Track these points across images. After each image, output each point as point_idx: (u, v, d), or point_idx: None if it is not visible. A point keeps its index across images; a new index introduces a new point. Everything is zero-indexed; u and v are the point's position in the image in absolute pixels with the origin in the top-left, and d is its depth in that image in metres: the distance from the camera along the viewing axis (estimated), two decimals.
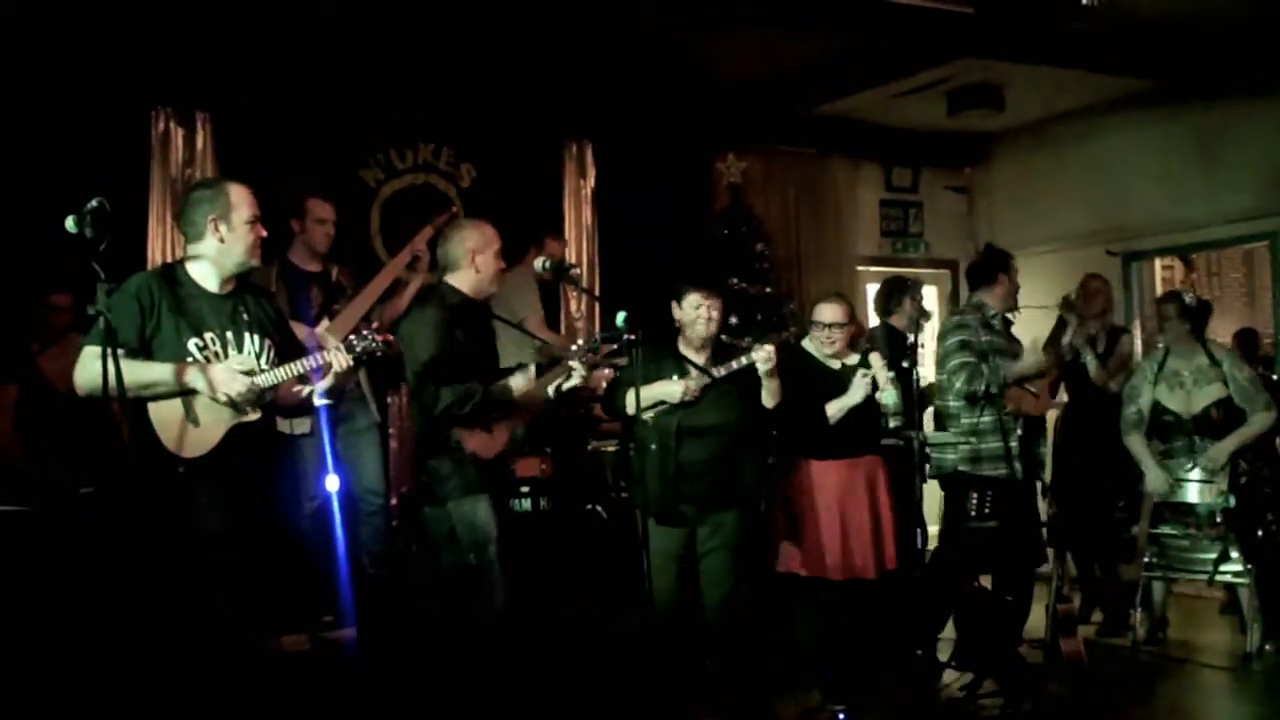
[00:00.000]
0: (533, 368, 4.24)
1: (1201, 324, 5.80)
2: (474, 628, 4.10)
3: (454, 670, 4.13)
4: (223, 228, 3.55)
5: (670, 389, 4.39)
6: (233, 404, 3.45)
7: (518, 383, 4.18)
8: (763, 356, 4.39)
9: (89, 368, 3.38)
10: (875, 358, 4.72)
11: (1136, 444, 5.75)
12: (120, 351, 3.20)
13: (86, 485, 4.82)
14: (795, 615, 4.84)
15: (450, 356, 4.11)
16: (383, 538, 5.58)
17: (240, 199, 3.58)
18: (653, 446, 4.35)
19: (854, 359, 4.83)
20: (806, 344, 4.89)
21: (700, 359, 4.47)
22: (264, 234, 3.65)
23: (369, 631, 4.85)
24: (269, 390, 3.55)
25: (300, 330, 4.37)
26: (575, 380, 4.22)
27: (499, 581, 4.10)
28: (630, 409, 4.32)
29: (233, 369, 3.46)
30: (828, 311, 4.83)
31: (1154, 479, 5.64)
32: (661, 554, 4.20)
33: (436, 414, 4.09)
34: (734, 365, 4.42)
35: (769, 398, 4.50)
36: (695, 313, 4.48)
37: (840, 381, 4.74)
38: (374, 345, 3.62)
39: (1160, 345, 5.91)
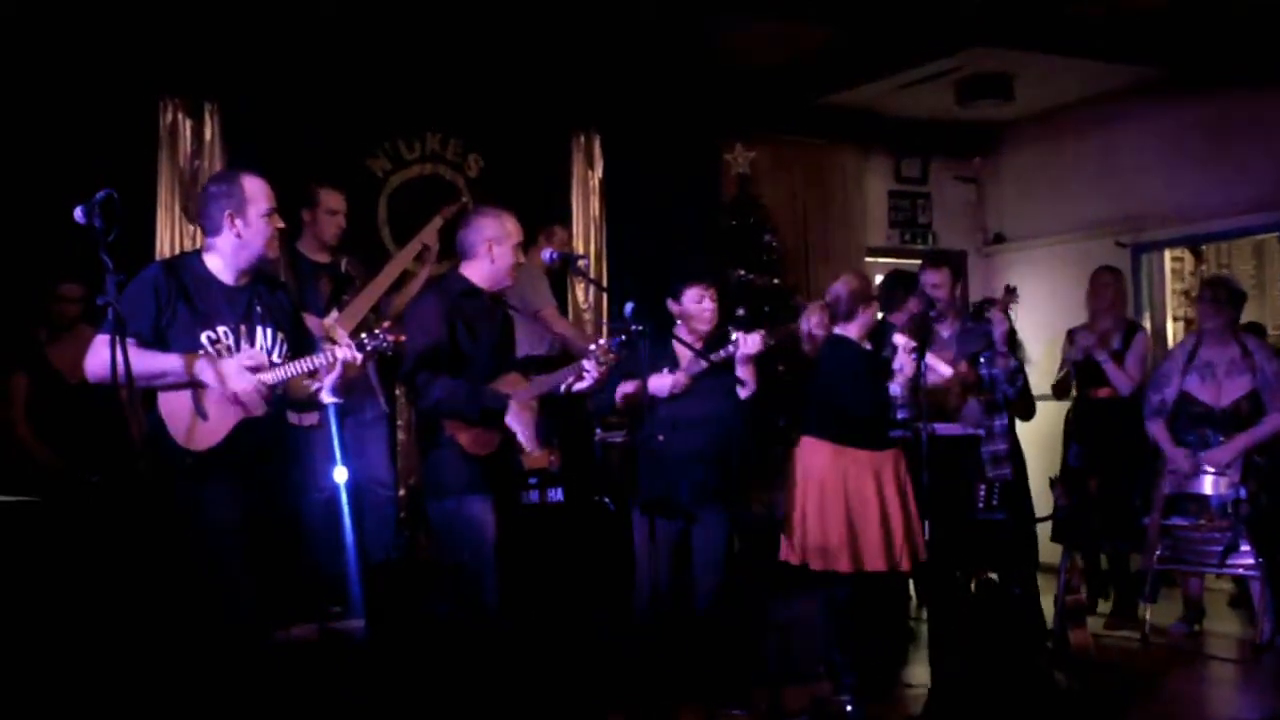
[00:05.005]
0: (526, 411, 4.12)
1: (1239, 313, 5.78)
2: (467, 627, 4.08)
3: (457, 665, 4.12)
4: (239, 222, 3.52)
5: (659, 383, 4.38)
6: (239, 402, 3.44)
7: (512, 411, 4.07)
8: (751, 342, 4.38)
9: (100, 354, 3.37)
10: (900, 338, 4.74)
11: (1158, 429, 5.73)
12: (131, 341, 3.20)
13: (95, 475, 4.83)
14: (807, 605, 4.84)
15: (447, 347, 4.08)
16: (391, 529, 5.58)
17: (256, 192, 3.55)
18: (660, 438, 4.34)
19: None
20: (839, 330, 4.88)
21: (697, 348, 4.46)
22: (281, 225, 3.64)
23: (377, 622, 4.86)
24: (279, 385, 3.54)
25: (309, 321, 4.36)
26: (587, 382, 4.20)
27: (493, 582, 4.06)
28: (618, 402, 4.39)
29: (242, 365, 3.44)
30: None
31: (1177, 458, 5.62)
32: (654, 544, 4.17)
33: (425, 407, 4.07)
34: (722, 354, 4.40)
35: (743, 389, 4.45)
36: (699, 306, 4.48)
37: (874, 363, 4.74)
38: (385, 345, 3.61)
39: (1194, 332, 5.94)
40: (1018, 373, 5.71)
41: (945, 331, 5.77)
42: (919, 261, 7.98)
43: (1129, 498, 5.94)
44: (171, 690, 3.42)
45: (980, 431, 5.73)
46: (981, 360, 5.51)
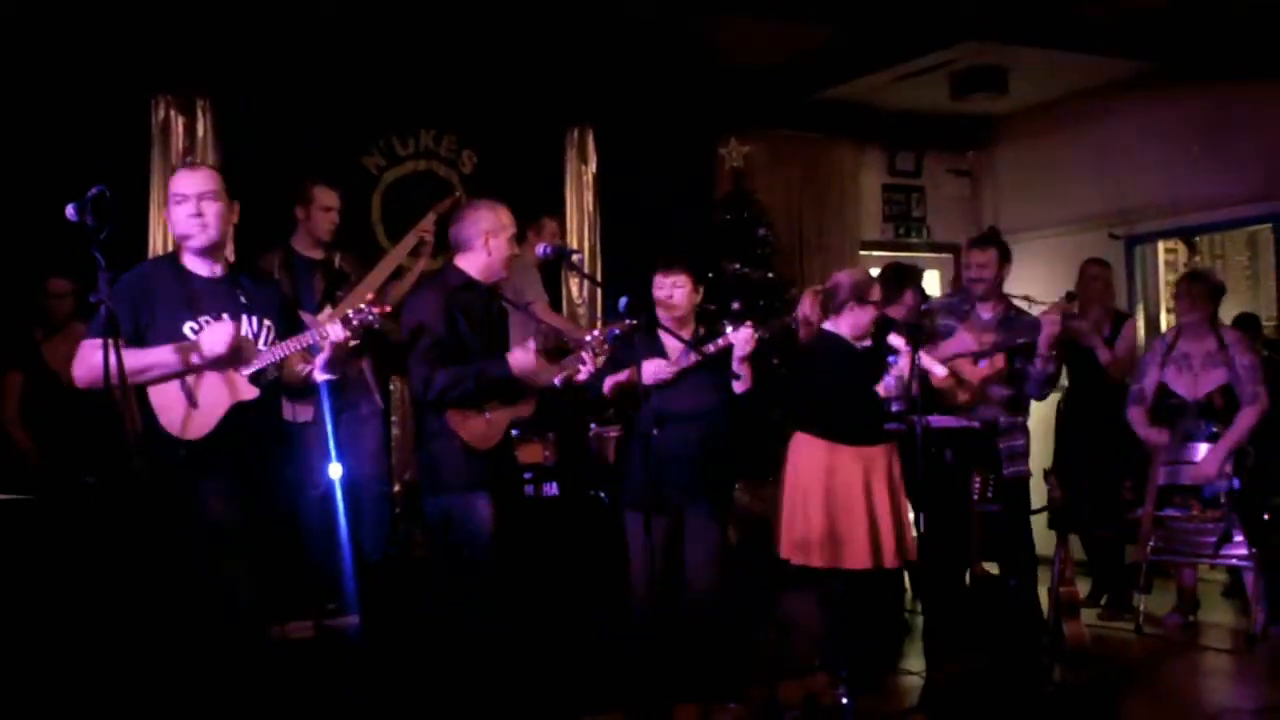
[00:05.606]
0: (530, 342, 4.12)
1: (1217, 307, 5.81)
2: (464, 624, 4.07)
3: (453, 662, 4.11)
4: (166, 219, 3.69)
5: (647, 369, 4.36)
6: (226, 360, 3.42)
7: (515, 358, 4.07)
8: (743, 338, 4.36)
9: (87, 359, 3.39)
10: (895, 338, 4.72)
11: (1136, 415, 5.77)
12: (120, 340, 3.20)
13: (91, 473, 4.83)
14: (802, 599, 4.84)
15: (449, 341, 4.06)
16: (386, 526, 5.59)
17: (173, 185, 3.58)
18: (655, 432, 4.32)
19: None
20: (828, 326, 4.81)
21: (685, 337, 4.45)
22: (199, 212, 3.51)
23: (372, 619, 4.86)
24: (271, 367, 3.54)
25: (304, 318, 4.36)
26: (584, 375, 4.20)
27: (492, 578, 4.05)
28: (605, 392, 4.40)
29: (216, 326, 3.44)
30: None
31: (1151, 437, 5.64)
32: (644, 541, 4.13)
33: (430, 399, 4.05)
34: (710, 348, 4.39)
35: (738, 384, 4.43)
36: (664, 293, 4.49)
37: (860, 363, 4.73)
38: (372, 319, 3.56)
39: (1175, 325, 5.95)
40: (1052, 380, 5.50)
41: (986, 314, 5.54)
42: (913, 255, 8.08)
43: (1121, 487, 5.96)
44: (168, 688, 3.42)
45: (976, 424, 5.71)
46: (1018, 356, 5.39)
